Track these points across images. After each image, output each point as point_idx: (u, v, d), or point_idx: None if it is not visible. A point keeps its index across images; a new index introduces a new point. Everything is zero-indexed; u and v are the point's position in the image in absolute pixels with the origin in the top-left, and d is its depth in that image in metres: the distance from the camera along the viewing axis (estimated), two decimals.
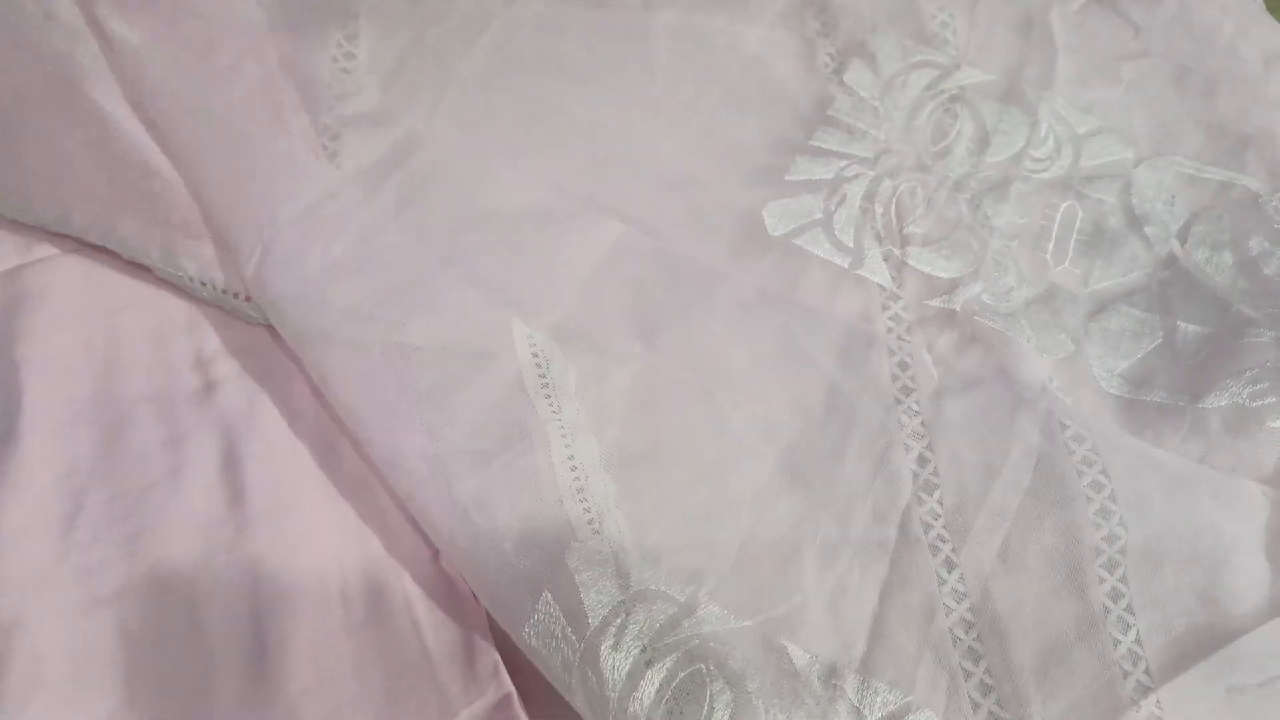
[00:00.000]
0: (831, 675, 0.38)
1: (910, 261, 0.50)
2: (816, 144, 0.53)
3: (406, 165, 0.49)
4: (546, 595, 0.37)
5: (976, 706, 0.38)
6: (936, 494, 0.43)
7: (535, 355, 0.43)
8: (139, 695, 0.36)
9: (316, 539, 0.40)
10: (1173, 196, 0.54)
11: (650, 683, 0.36)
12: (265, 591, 0.39)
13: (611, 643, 0.36)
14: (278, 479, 0.41)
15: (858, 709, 0.37)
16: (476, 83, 0.52)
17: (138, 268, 0.46)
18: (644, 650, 0.36)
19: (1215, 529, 0.42)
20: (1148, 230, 0.53)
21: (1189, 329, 0.49)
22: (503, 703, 0.39)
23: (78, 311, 0.44)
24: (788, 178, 0.52)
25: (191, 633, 0.38)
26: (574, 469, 0.41)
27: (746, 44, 0.56)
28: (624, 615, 0.37)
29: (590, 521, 0.39)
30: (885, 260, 0.50)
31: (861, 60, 0.56)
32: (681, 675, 0.36)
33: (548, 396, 0.42)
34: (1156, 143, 0.56)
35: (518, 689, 0.39)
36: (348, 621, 0.39)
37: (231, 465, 0.41)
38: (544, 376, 0.43)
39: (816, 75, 0.56)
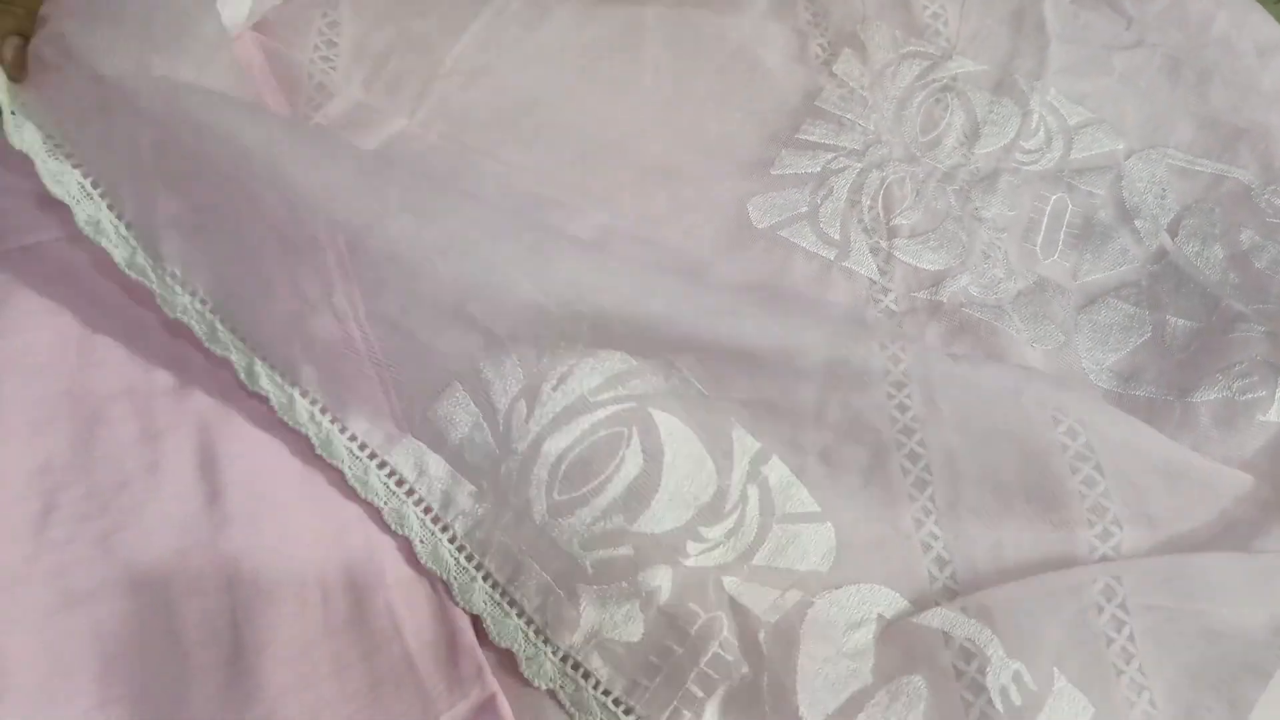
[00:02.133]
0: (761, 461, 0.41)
1: (897, 253, 0.50)
2: (804, 136, 0.53)
3: (388, 160, 0.48)
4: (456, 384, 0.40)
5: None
6: (928, 491, 0.42)
7: None
8: (114, 697, 0.36)
9: (296, 538, 0.40)
10: (1164, 189, 0.53)
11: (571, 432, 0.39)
12: (243, 591, 0.38)
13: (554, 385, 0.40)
14: (256, 477, 0.40)
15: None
16: (463, 75, 0.52)
17: (113, 262, 0.45)
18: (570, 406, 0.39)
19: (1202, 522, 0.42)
20: (1138, 223, 0.52)
21: (1178, 323, 0.49)
22: (487, 704, 0.38)
23: (52, 305, 0.43)
24: (773, 172, 0.52)
25: (168, 633, 0.37)
26: None
27: (737, 35, 0.55)
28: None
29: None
30: (872, 253, 0.50)
31: (851, 51, 0.56)
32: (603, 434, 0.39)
33: None
34: (1148, 135, 0.55)
35: (503, 690, 0.39)
36: (328, 622, 0.38)
37: (209, 462, 0.40)
38: None
39: (807, 66, 0.55)
